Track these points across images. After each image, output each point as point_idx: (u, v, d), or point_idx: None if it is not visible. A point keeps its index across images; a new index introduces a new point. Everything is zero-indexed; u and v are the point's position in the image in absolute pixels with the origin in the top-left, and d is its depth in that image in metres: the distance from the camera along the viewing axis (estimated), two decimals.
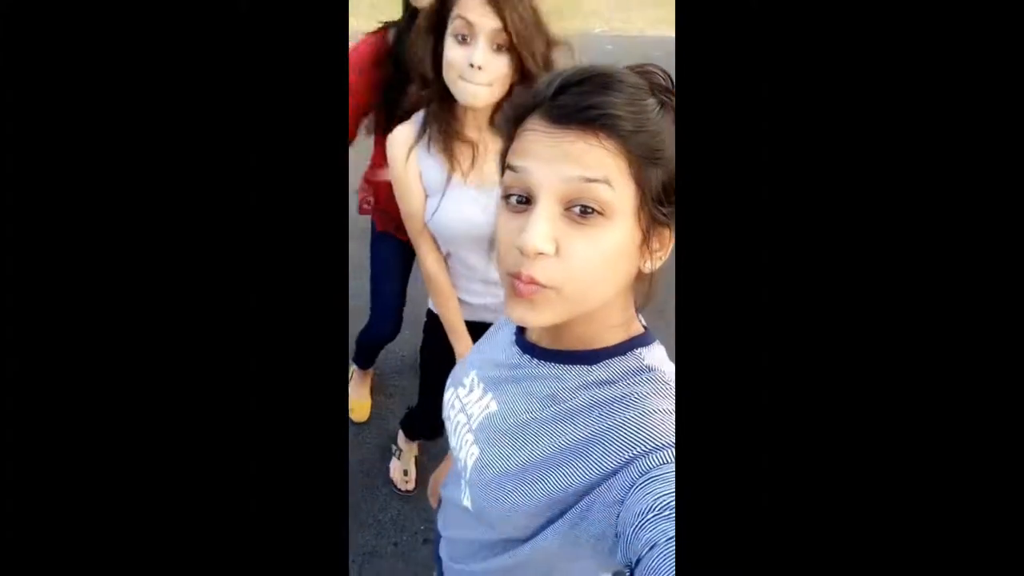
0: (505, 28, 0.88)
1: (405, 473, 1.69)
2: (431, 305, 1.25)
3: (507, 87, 0.94)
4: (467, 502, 0.58)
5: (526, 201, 0.47)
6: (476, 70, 0.89)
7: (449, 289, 1.16)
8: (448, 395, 0.66)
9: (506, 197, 0.48)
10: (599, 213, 0.45)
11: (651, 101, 0.47)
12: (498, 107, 0.96)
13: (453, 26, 0.91)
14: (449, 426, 0.64)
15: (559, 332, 0.54)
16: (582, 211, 0.45)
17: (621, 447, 0.48)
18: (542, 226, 0.45)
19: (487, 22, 0.88)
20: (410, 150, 1.03)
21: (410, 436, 1.65)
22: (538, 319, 0.48)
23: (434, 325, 1.24)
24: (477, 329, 1.12)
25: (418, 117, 1.04)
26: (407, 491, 1.69)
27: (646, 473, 0.46)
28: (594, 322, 0.52)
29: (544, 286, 0.46)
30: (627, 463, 0.47)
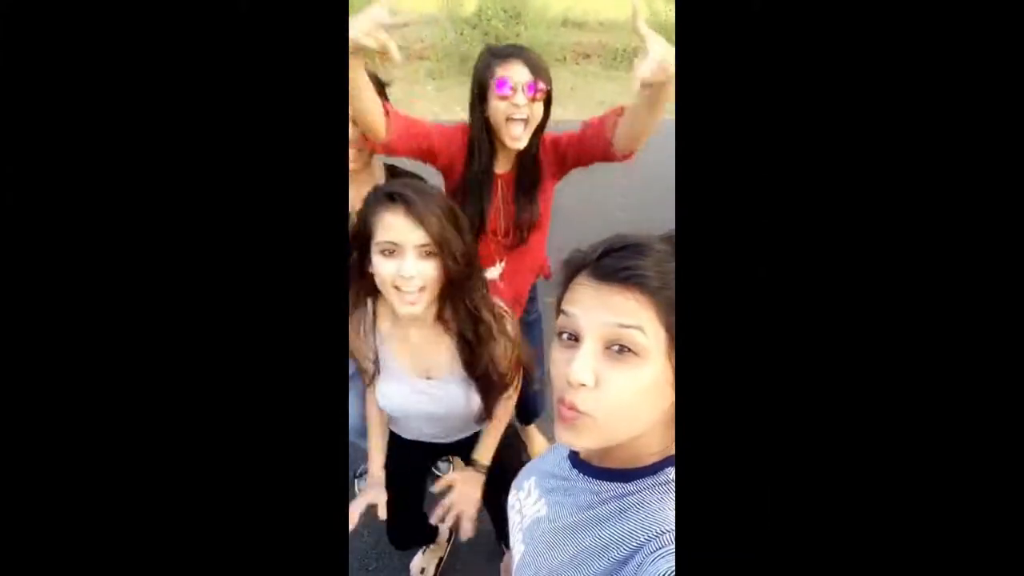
0: (431, 237, 0.91)
1: (422, 572, 1.64)
2: (395, 429, 1.30)
3: (437, 291, 0.97)
4: None
5: (574, 339, 0.55)
6: (408, 279, 0.92)
7: (379, 430, 1.25)
8: (511, 496, 0.73)
9: (559, 334, 0.56)
10: (634, 353, 0.52)
11: (674, 264, 0.53)
12: (442, 301, 1.00)
13: (378, 245, 0.93)
14: (510, 522, 0.71)
15: (604, 453, 0.60)
16: (620, 350, 0.53)
17: (630, 539, 0.54)
18: (585, 361, 0.53)
19: (412, 237, 0.91)
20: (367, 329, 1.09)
21: (396, 547, 1.53)
22: (578, 442, 0.55)
23: (399, 447, 1.29)
24: (415, 445, 1.26)
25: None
26: None
27: (648, 555, 0.51)
28: (634, 448, 0.57)
29: (582, 412, 0.53)
30: (633, 551, 0.53)
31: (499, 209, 1.36)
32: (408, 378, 1.10)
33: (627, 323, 0.52)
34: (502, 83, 1.23)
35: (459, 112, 3.47)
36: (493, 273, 1.43)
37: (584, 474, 0.63)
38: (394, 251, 0.94)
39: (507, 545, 0.97)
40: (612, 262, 0.55)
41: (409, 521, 1.43)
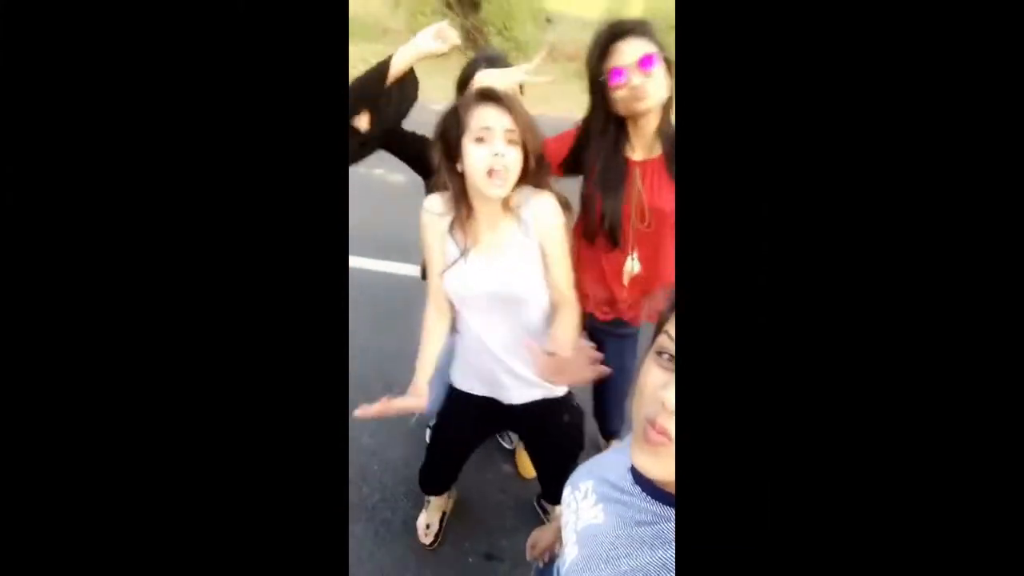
0: (516, 124, 1.07)
1: (427, 527, 1.69)
2: (452, 380, 1.39)
3: (517, 176, 1.10)
4: None
5: (675, 361, 0.52)
6: (500, 157, 1.06)
7: (433, 339, 1.31)
8: (566, 492, 0.74)
9: (659, 353, 0.54)
10: None
11: None
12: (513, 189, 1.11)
13: (472, 132, 1.08)
14: (563, 518, 0.73)
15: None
16: None
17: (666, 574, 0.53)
18: None
19: (502, 121, 1.07)
20: (440, 221, 1.21)
21: (421, 488, 1.64)
22: (656, 469, 0.53)
23: (456, 399, 1.39)
24: (480, 402, 1.34)
25: (445, 195, 1.19)
26: (425, 545, 1.68)
27: None
28: None
29: (673, 440, 0.50)
30: None
31: (634, 197, 1.28)
32: (474, 256, 1.18)
33: None
34: (616, 73, 1.16)
35: None
36: (632, 267, 1.35)
37: (645, 492, 0.61)
38: (485, 137, 1.07)
39: (544, 510, 1.32)
40: None
41: (443, 471, 1.58)
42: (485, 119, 1.07)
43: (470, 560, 1.64)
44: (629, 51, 1.15)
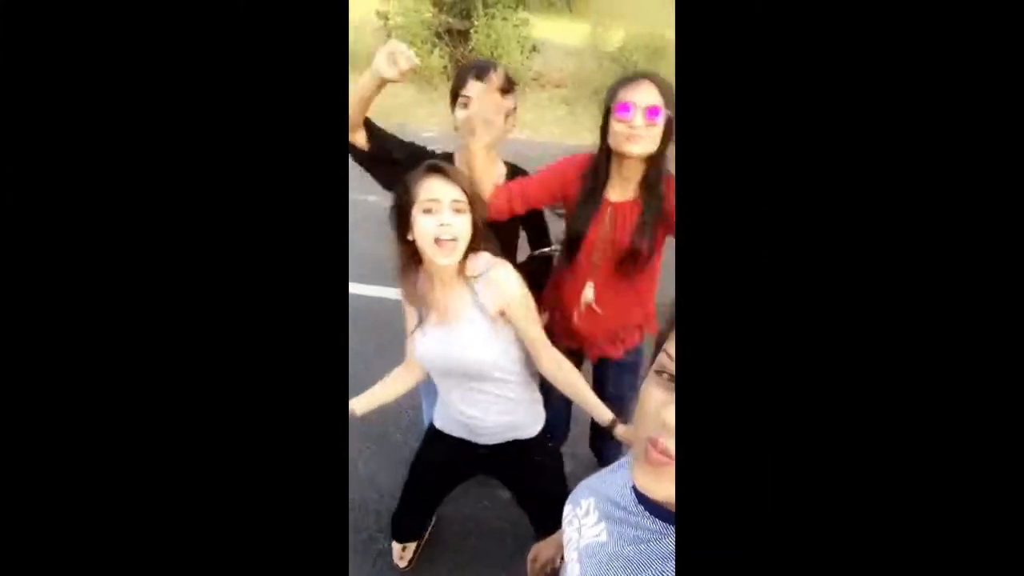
0: (463, 194, 1.14)
1: (403, 548, 1.65)
2: (433, 419, 1.43)
3: (467, 243, 1.15)
4: None
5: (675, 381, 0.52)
6: (448, 227, 1.11)
7: (391, 385, 1.36)
8: (568, 509, 0.73)
9: (659, 372, 0.53)
10: None
11: None
12: (465, 256, 1.17)
13: (420, 205, 1.13)
14: (565, 535, 0.72)
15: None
16: None
17: None
18: None
19: (449, 192, 1.12)
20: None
21: (394, 537, 1.61)
22: (661, 492, 0.52)
23: (434, 438, 1.42)
24: (455, 442, 1.38)
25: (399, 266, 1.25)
26: (399, 566, 1.66)
27: None
28: None
29: (674, 460, 0.50)
30: None
31: (600, 235, 1.36)
32: (431, 327, 1.23)
33: None
34: (623, 107, 1.23)
35: (587, 136, 3.95)
36: (587, 295, 1.43)
37: (648, 511, 0.60)
38: (432, 208, 1.12)
39: (540, 531, 1.33)
40: None
41: (417, 513, 1.55)
42: (432, 191, 1.12)
43: None
44: (643, 93, 1.23)
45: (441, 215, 1.12)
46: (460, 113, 1.38)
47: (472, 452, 1.37)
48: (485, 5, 6.19)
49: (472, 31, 6.38)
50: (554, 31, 7.51)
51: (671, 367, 0.52)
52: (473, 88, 1.35)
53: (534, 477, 1.41)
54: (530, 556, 1.04)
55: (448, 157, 1.47)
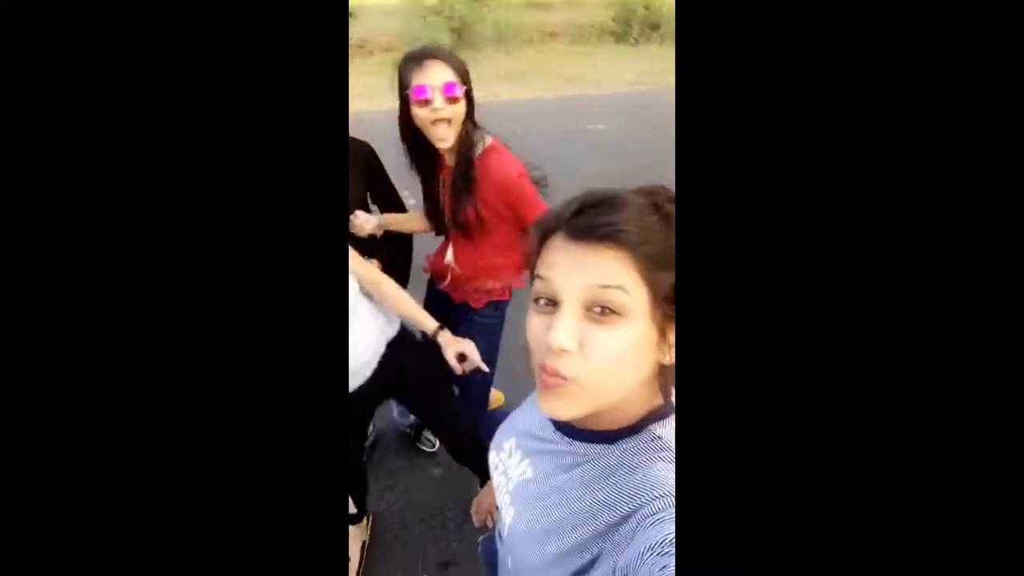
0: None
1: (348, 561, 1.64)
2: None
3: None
4: (506, 556, 0.68)
5: (552, 304, 0.52)
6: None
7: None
8: (492, 456, 0.73)
9: (535, 300, 0.54)
10: (616, 313, 0.50)
11: (654, 217, 0.52)
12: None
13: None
14: (493, 482, 0.72)
15: (587, 416, 0.57)
16: (601, 312, 0.50)
17: (623, 504, 0.53)
18: (566, 326, 0.50)
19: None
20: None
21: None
22: (564, 411, 0.53)
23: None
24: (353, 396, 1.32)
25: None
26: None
27: (646, 518, 0.50)
28: (618, 411, 0.56)
29: (566, 378, 0.51)
30: (628, 515, 0.52)
31: (443, 196, 1.44)
32: None
33: (608, 283, 0.50)
34: (420, 90, 1.24)
35: None
36: (447, 256, 1.56)
37: (567, 436, 0.61)
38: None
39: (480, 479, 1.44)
40: (587, 219, 0.52)
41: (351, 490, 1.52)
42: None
43: (424, 575, 1.59)
44: (435, 74, 1.26)
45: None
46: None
47: (365, 391, 1.36)
48: None
49: None
50: None
51: (546, 292, 0.53)
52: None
53: (412, 370, 1.43)
54: (472, 510, 1.05)
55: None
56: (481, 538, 0.89)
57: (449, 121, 1.28)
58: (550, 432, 0.63)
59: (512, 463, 0.68)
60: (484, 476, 1.58)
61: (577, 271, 0.51)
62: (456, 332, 1.38)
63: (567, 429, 0.62)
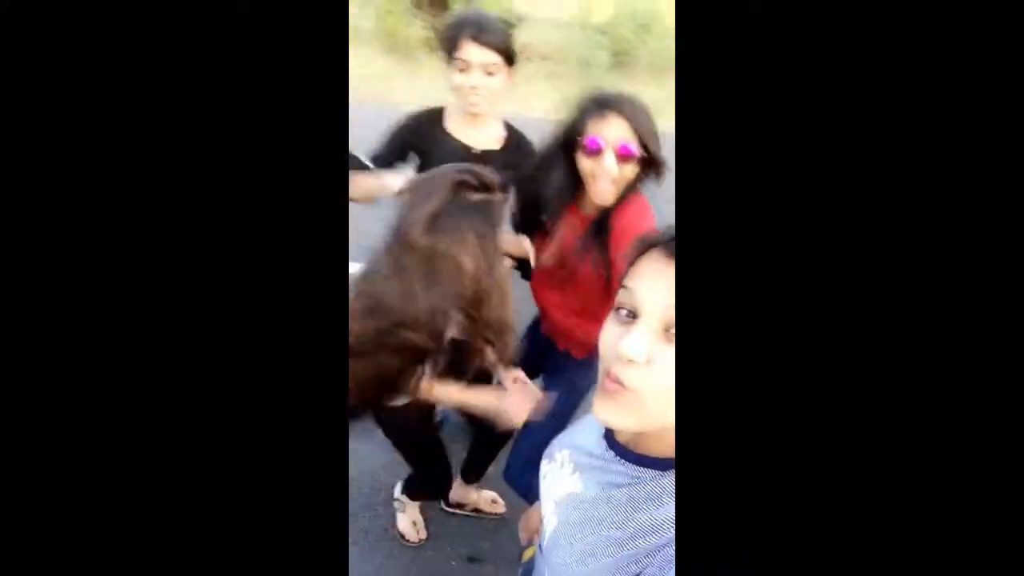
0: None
1: (414, 523, 1.67)
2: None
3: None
4: (543, 568, 0.69)
5: (632, 316, 0.54)
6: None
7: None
8: (543, 464, 0.75)
9: (617, 310, 0.56)
10: None
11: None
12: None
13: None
14: (541, 491, 0.74)
15: (639, 439, 0.60)
16: None
17: (666, 530, 0.54)
18: (640, 337, 0.51)
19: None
20: None
21: (416, 498, 1.65)
22: (616, 418, 0.54)
23: (385, 418, 1.31)
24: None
25: None
26: (420, 540, 1.66)
27: (658, 556, 0.52)
28: (669, 439, 0.56)
29: (627, 388, 0.52)
30: (670, 542, 0.53)
31: (563, 235, 1.27)
32: None
33: None
34: (593, 141, 1.14)
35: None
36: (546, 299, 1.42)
37: (620, 456, 0.62)
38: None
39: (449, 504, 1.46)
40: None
41: (442, 467, 1.52)
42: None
43: (453, 564, 1.62)
44: (614, 129, 1.13)
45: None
46: (458, 78, 1.29)
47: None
48: None
49: (452, 1, 6.22)
50: (540, 3, 7.33)
51: (628, 302, 0.54)
52: (469, 50, 1.25)
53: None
54: (520, 526, 1.04)
55: (439, 113, 1.40)
56: (521, 564, 0.90)
57: (615, 181, 1.16)
58: (603, 450, 0.64)
59: (563, 474, 0.69)
60: (476, 470, 1.66)
61: (664, 289, 0.51)
62: (549, 379, 1.34)
63: (621, 450, 0.62)
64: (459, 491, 1.73)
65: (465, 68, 1.28)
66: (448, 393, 1.17)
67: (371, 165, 1.37)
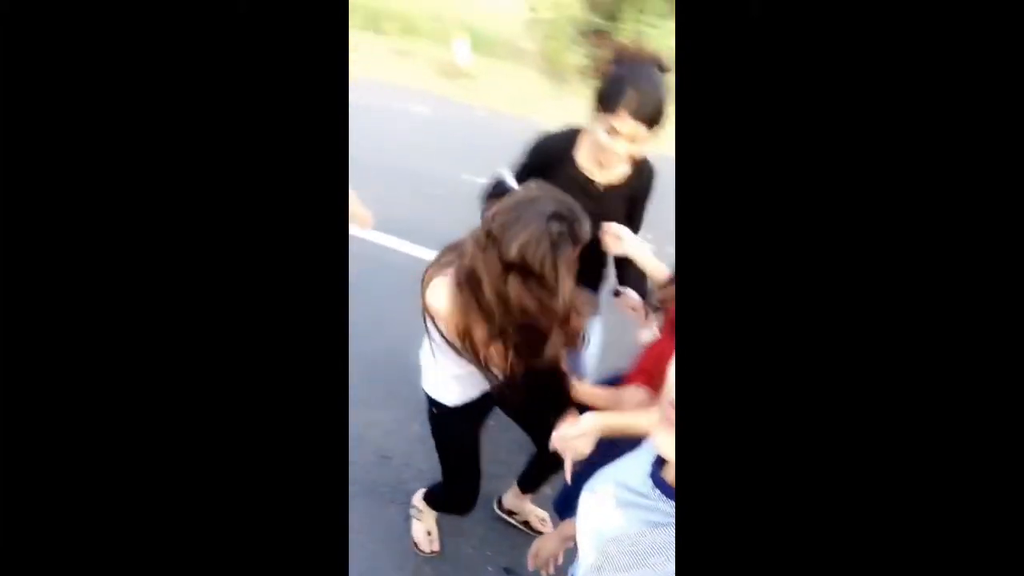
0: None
1: (429, 534, 1.68)
2: (441, 401, 1.31)
3: None
4: None
5: None
6: None
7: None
8: (585, 496, 0.74)
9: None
10: None
11: None
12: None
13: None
14: (579, 522, 0.74)
15: None
16: None
17: None
18: None
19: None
20: None
21: (437, 509, 1.65)
22: (671, 452, 0.54)
23: (451, 416, 1.32)
24: (476, 403, 1.30)
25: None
26: (432, 552, 1.66)
27: None
28: None
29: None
30: None
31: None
32: None
33: None
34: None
35: None
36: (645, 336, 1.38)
37: (664, 495, 0.61)
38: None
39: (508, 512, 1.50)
40: None
41: (473, 484, 1.50)
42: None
43: (489, 569, 1.64)
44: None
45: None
46: (604, 138, 1.27)
47: (488, 396, 1.31)
48: (637, 11, 6.12)
49: (617, 34, 6.34)
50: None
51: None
52: (625, 123, 1.22)
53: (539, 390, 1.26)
54: (531, 551, 1.04)
55: (573, 138, 1.41)
56: None
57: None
58: (648, 488, 0.64)
59: (605, 508, 0.69)
60: (534, 481, 1.63)
61: None
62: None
63: (667, 489, 0.62)
64: (514, 500, 1.73)
65: (614, 134, 1.26)
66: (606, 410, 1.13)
67: (515, 184, 1.39)
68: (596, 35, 6.59)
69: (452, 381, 1.27)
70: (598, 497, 0.71)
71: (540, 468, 1.63)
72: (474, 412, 1.35)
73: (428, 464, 1.87)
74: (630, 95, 1.21)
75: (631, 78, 1.23)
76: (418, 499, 1.69)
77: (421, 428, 1.97)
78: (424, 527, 1.69)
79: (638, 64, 1.25)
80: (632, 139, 1.26)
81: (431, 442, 1.43)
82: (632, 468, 0.70)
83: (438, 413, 1.33)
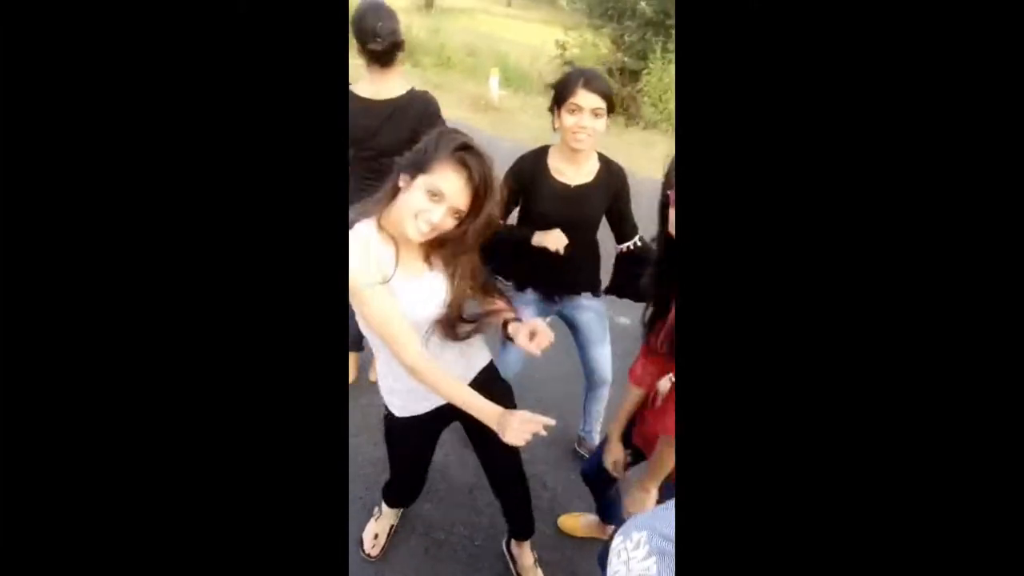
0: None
1: (375, 536, 1.67)
2: (395, 409, 1.34)
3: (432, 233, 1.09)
4: None
5: None
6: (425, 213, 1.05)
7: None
8: (617, 542, 0.74)
9: None
10: None
11: None
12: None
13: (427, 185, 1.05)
14: (611, 567, 0.73)
15: None
16: None
17: None
18: None
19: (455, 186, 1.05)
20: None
21: (390, 504, 1.67)
22: None
23: (401, 425, 1.35)
24: (428, 416, 1.32)
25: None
26: (370, 555, 1.65)
27: None
28: None
29: None
30: None
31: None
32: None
33: None
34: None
35: None
36: (663, 385, 1.31)
37: None
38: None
39: (512, 557, 1.52)
40: None
41: (413, 483, 1.58)
42: (443, 182, 1.07)
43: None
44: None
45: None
46: (569, 119, 1.49)
47: (441, 413, 1.33)
48: (665, 50, 6.29)
49: (645, 73, 6.49)
50: None
51: None
52: (582, 95, 1.46)
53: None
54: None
55: (544, 152, 1.61)
56: None
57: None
58: None
59: (638, 555, 0.70)
60: (517, 527, 1.59)
61: None
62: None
63: None
64: (515, 547, 1.67)
65: (576, 111, 1.48)
66: (447, 383, 1.17)
67: None
68: (622, 72, 6.76)
69: (392, 394, 1.32)
70: (631, 543, 0.72)
71: (510, 511, 1.57)
72: (421, 426, 1.36)
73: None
74: (581, 75, 1.52)
75: (578, 71, 1.57)
76: (383, 502, 1.70)
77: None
78: (375, 529, 1.69)
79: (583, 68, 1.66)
80: (594, 113, 1.48)
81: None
82: (667, 518, 0.71)
83: (386, 417, 1.40)
